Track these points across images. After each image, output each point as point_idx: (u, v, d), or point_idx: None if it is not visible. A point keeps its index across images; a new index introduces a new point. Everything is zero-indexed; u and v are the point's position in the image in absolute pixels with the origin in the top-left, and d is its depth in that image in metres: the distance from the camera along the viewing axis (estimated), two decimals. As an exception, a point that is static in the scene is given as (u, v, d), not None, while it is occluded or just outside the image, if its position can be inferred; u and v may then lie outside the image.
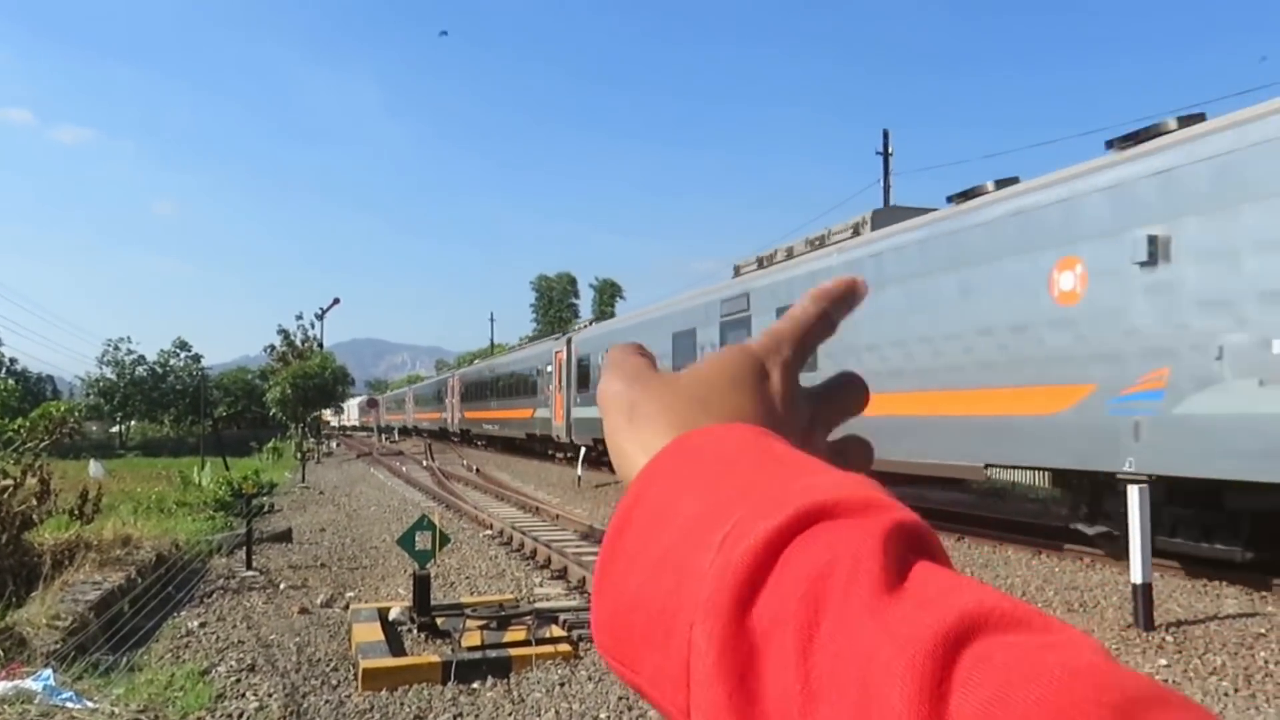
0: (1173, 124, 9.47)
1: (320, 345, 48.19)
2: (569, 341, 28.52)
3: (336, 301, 48.40)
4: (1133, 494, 7.98)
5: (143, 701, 5.89)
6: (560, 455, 29.46)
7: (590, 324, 32.02)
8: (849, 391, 0.57)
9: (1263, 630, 7.55)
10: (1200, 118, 9.35)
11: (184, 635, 8.03)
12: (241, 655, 7.27)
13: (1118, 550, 10.18)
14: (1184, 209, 8.89)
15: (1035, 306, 10.54)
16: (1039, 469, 11.40)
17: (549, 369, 30.43)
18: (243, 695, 6.25)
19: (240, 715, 5.84)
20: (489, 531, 14.38)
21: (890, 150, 30.15)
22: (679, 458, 0.45)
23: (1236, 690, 6.12)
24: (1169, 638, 7.37)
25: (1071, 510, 11.25)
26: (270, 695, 6.23)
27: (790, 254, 16.82)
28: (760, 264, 17.89)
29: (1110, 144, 10.10)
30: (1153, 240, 9.04)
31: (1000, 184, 11.87)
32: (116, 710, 5.66)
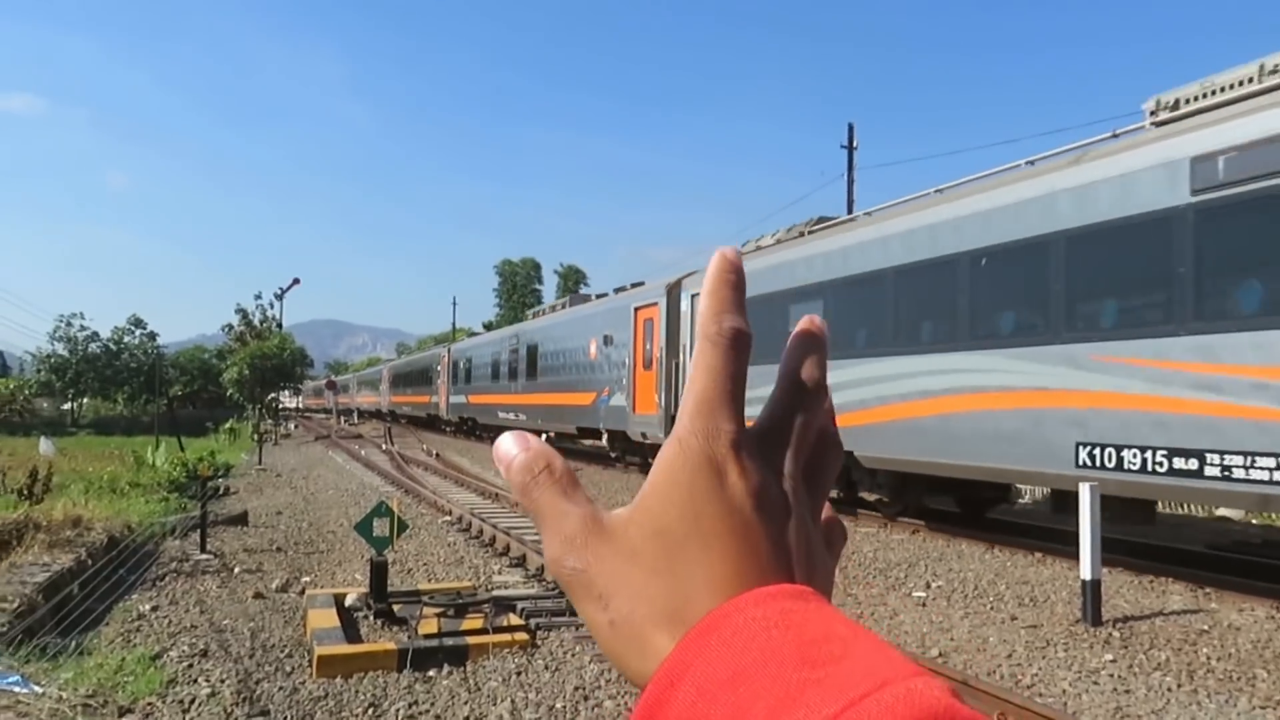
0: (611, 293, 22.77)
1: (279, 325, 47.58)
2: (448, 350, 43.76)
3: (296, 282, 47.77)
4: (1084, 492, 8.15)
5: (92, 686, 5.81)
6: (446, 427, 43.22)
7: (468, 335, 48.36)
8: (830, 453, 0.51)
9: (1205, 627, 7.74)
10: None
11: (135, 619, 7.92)
12: (194, 640, 7.19)
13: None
14: (613, 326, 22.31)
15: (585, 359, 24.40)
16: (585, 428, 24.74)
17: (438, 367, 45.05)
18: (195, 681, 6.19)
19: (192, 701, 5.78)
20: (448, 517, 14.33)
21: (855, 144, 30.31)
22: (698, 660, 0.39)
23: (1179, 685, 6.27)
24: (1115, 633, 7.54)
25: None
26: (223, 681, 6.17)
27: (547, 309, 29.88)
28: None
29: (619, 290, 23.43)
30: (607, 339, 22.64)
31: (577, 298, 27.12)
32: (64, 695, 5.58)
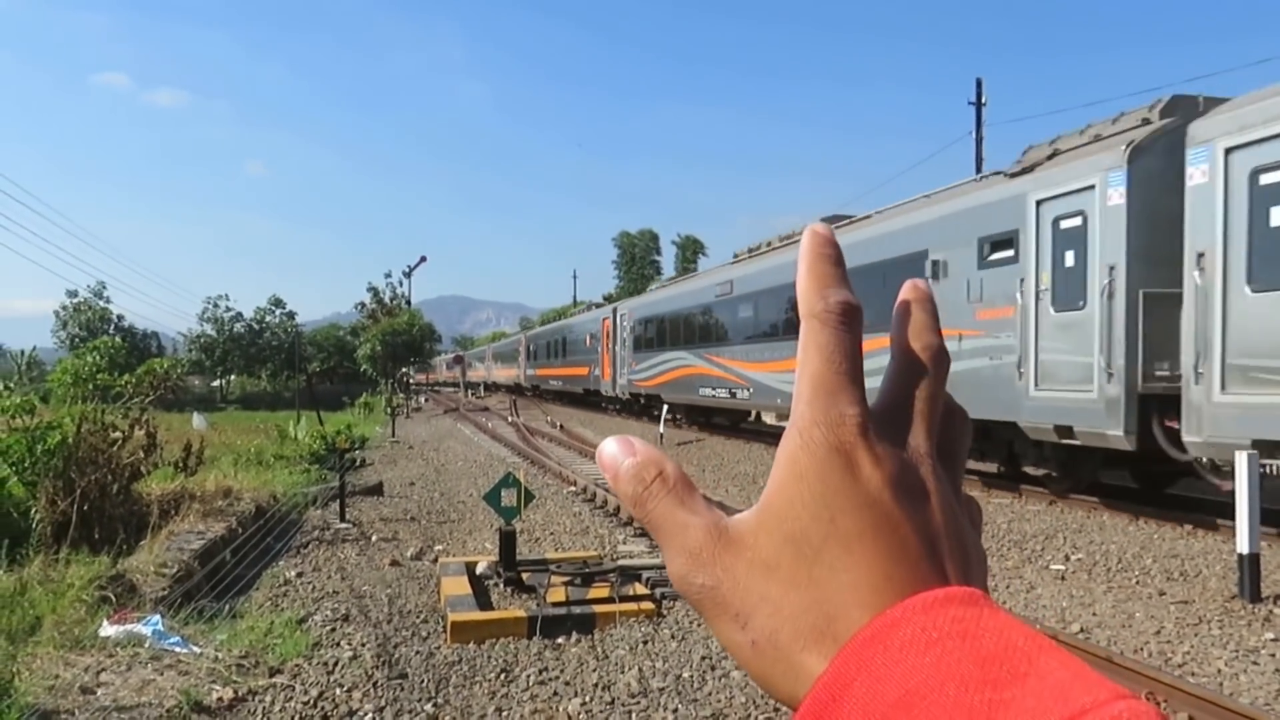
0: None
1: (408, 302, 49.16)
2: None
3: (423, 259, 49.23)
4: (1240, 460, 7.64)
5: (245, 647, 6.14)
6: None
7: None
8: (958, 424, 0.46)
9: (1380, 604, 7.18)
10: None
11: (282, 584, 8.33)
12: (336, 605, 7.52)
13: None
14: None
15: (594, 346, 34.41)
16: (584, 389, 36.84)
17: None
18: (338, 644, 6.47)
19: (335, 663, 6.04)
20: (573, 488, 14.55)
21: (984, 100, 29.11)
22: (861, 675, 0.35)
23: (1350, 667, 5.83)
24: (1277, 610, 7.07)
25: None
26: (363, 645, 6.42)
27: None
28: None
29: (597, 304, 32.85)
30: (592, 335, 35.83)
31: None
32: (220, 655, 5.92)
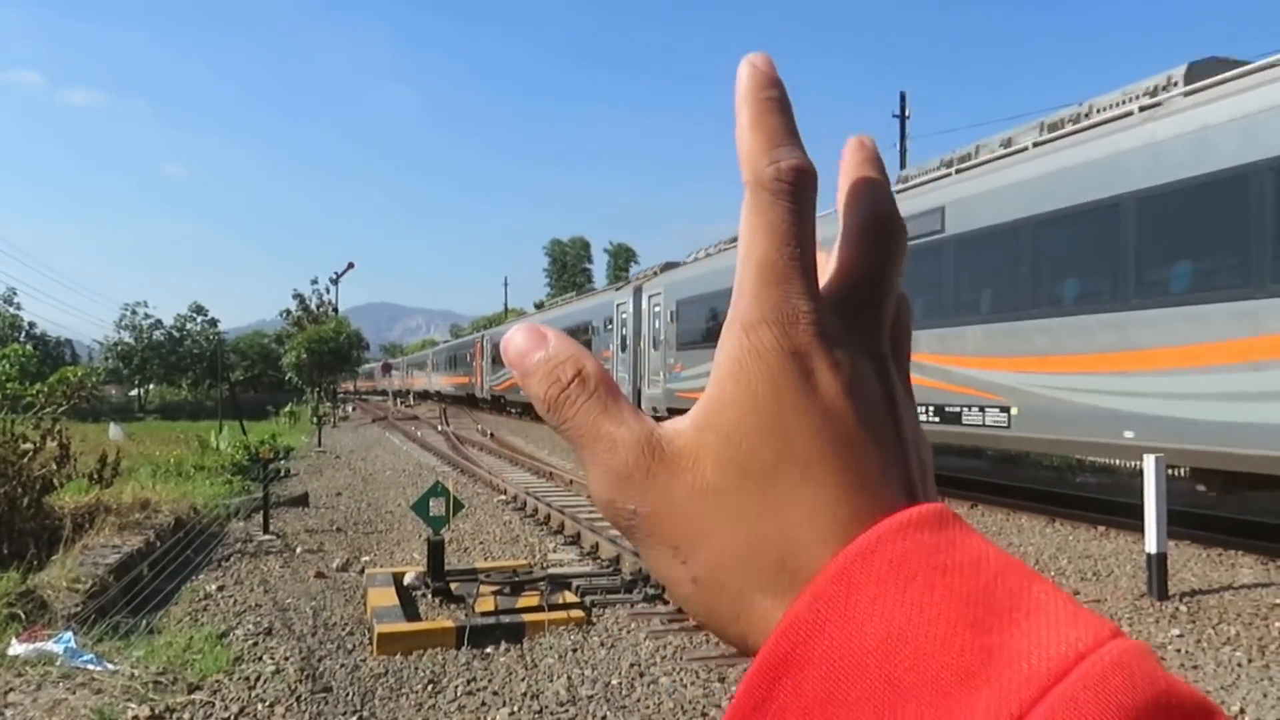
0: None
1: (335, 310, 48.36)
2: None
3: (351, 266, 48.51)
4: (1149, 463, 7.94)
5: (162, 664, 5.98)
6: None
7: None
8: (902, 308, 0.40)
9: (1278, 601, 7.53)
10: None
11: (202, 599, 8.13)
12: (259, 619, 7.36)
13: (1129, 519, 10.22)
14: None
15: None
16: None
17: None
18: (260, 658, 6.33)
19: (258, 678, 5.92)
20: (503, 497, 14.47)
21: (908, 113, 29.79)
22: (834, 616, 0.31)
23: (1250, 660, 6.11)
24: (1183, 607, 7.36)
25: None
26: (287, 658, 6.30)
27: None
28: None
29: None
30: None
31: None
32: (136, 672, 5.75)
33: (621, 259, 78.43)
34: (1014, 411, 11.18)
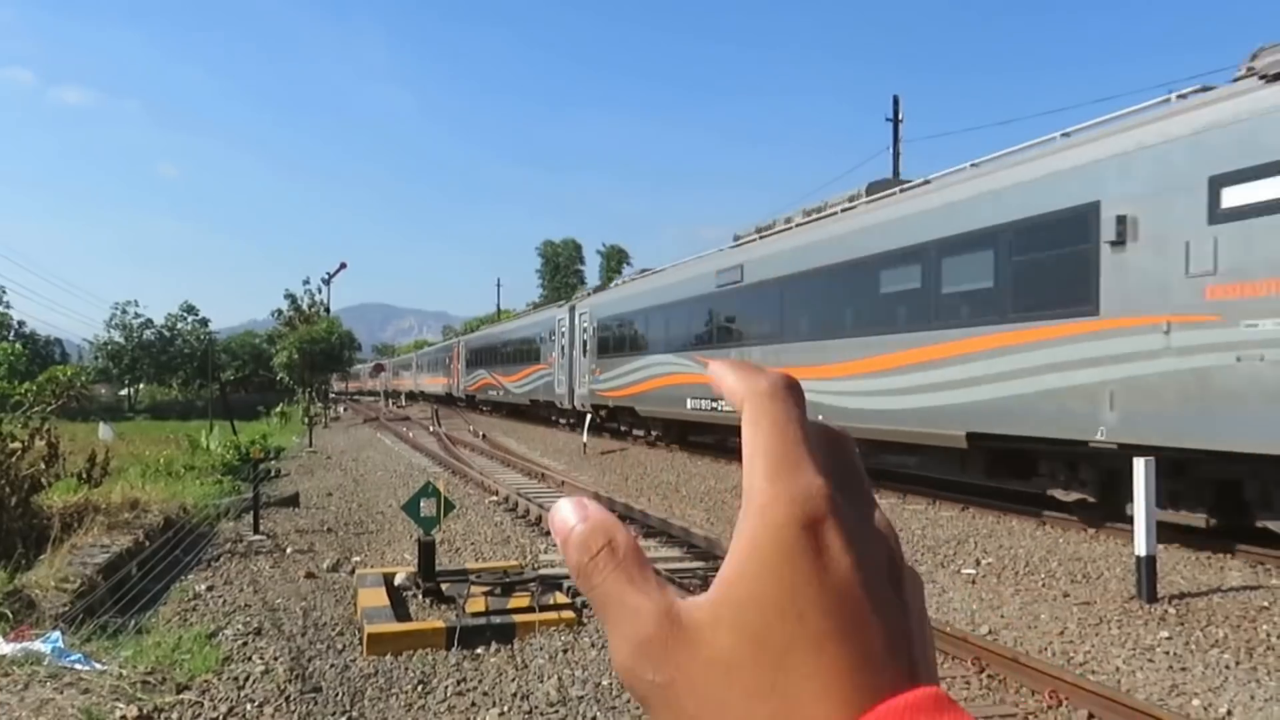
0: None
1: (327, 310, 48.23)
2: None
3: (343, 266, 48.33)
4: (1139, 466, 7.97)
5: (150, 664, 5.95)
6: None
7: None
8: (852, 454, 0.44)
9: (1266, 603, 7.56)
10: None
11: (191, 598, 8.10)
12: (248, 619, 7.34)
13: (1096, 518, 10.62)
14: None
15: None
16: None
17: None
18: (249, 658, 6.31)
19: (247, 678, 5.90)
20: (494, 498, 14.45)
21: (900, 117, 29.85)
22: None
23: (1238, 663, 6.13)
24: (1171, 610, 7.39)
25: None
26: (276, 659, 6.28)
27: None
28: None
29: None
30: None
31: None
32: (124, 672, 5.72)
33: (614, 261, 78.39)
34: None
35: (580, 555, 0.39)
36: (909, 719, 0.33)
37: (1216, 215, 8.63)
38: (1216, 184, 8.62)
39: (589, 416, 25.21)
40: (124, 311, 72.40)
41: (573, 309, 28.58)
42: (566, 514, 0.41)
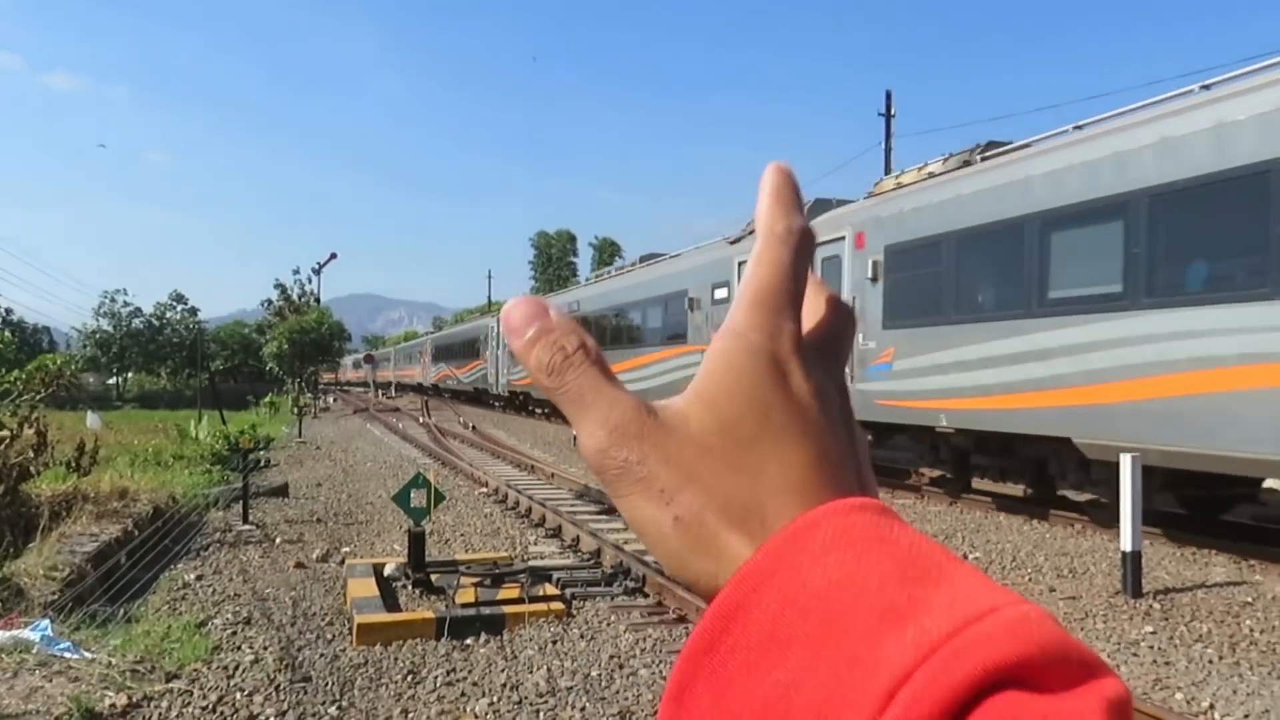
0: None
1: (317, 300, 48.09)
2: None
3: (334, 256, 48.23)
4: (1125, 463, 8.03)
5: (140, 652, 5.95)
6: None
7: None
8: (846, 325, 0.47)
9: (1249, 599, 7.63)
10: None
11: (181, 588, 8.09)
12: (238, 608, 7.34)
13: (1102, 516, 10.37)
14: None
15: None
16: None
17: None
18: (238, 648, 6.32)
19: (236, 668, 5.90)
20: (484, 489, 14.46)
21: (893, 111, 29.89)
22: (784, 567, 0.36)
23: (1221, 658, 6.20)
24: (1156, 605, 7.45)
25: None
26: (265, 648, 6.29)
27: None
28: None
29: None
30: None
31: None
32: (113, 661, 5.72)
33: (606, 253, 78.34)
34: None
35: (552, 355, 0.41)
36: (855, 513, 0.37)
37: None
38: (714, 286, 17.11)
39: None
40: (113, 300, 72.10)
41: (497, 318, 37.98)
42: (526, 312, 0.42)
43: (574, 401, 0.41)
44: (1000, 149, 12.34)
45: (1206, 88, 9.44)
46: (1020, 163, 11.30)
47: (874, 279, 13.43)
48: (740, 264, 20.06)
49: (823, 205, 15.87)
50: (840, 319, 0.47)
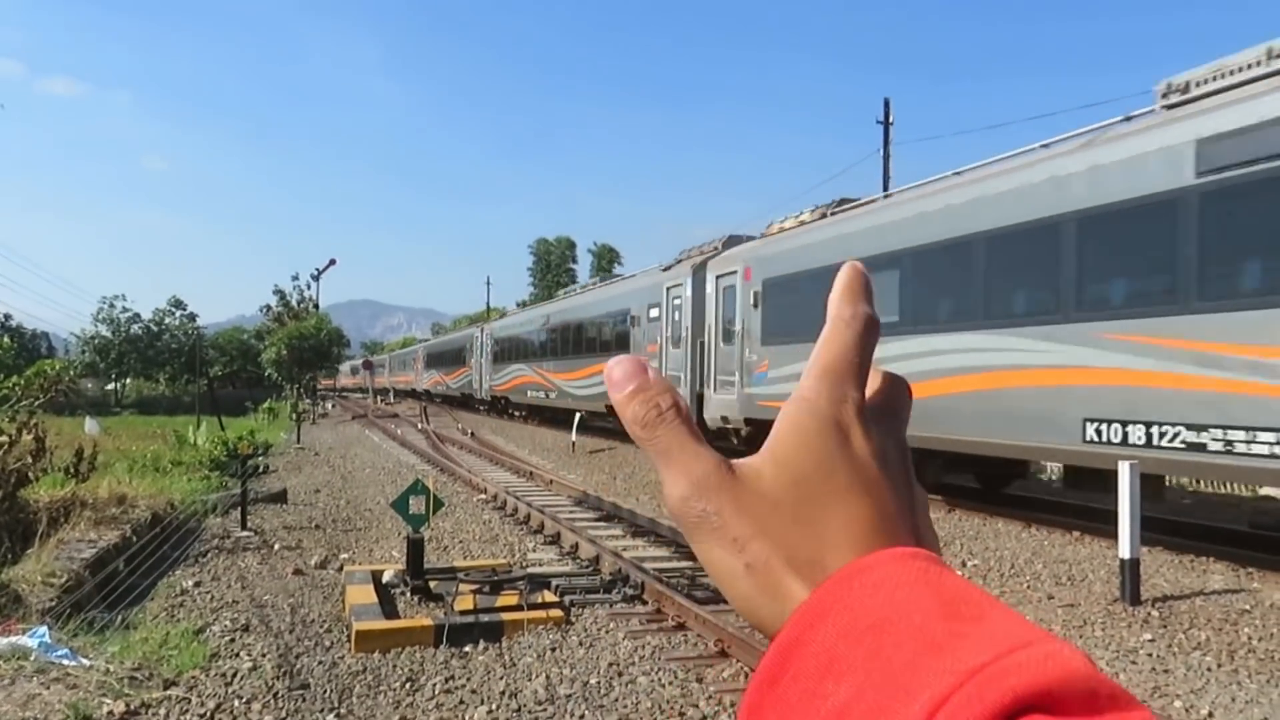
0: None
1: (316, 306, 48.08)
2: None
3: (333, 262, 48.21)
4: (1123, 470, 8.04)
5: (137, 659, 5.94)
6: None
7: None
8: (902, 392, 0.52)
9: (1247, 607, 7.63)
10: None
11: (179, 594, 8.08)
12: (236, 615, 7.33)
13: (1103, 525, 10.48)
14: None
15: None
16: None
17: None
18: (237, 655, 6.31)
19: (234, 674, 5.90)
20: (483, 496, 14.45)
21: (891, 119, 29.92)
22: (838, 606, 0.40)
23: (1219, 665, 6.20)
24: (1154, 612, 7.45)
25: None
26: (264, 655, 6.28)
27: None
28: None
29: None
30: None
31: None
32: (111, 668, 5.71)
33: (605, 259, 78.39)
34: (555, 393, 29.02)
35: (646, 411, 0.46)
36: (906, 560, 0.41)
37: None
38: (649, 306, 20.26)
39: (578, 415, 25.29)
40: (111, 306, 72.00)
41: (482, 329, 42.34)
42: (627, 369, 0.48)
43: (662, 454, 0.46)
44: (849, 205, 15.79)
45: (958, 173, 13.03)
46: (846, 220, 14.86)
47: (755, 305, 16.86)
48: (669, 289, 21.34)
49: (734, 241, 19.48)
50: (897, 387, 0.51)
